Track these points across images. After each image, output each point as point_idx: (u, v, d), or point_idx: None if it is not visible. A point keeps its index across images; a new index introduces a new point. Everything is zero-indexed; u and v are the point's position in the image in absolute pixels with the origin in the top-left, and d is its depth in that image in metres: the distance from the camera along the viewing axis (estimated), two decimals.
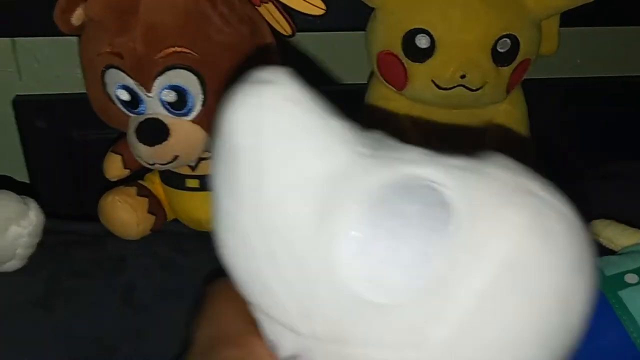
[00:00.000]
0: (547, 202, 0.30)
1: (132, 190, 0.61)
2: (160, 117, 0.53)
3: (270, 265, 0.29)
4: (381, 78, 0.65)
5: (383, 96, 0.67)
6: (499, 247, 0.28)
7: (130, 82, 0.52)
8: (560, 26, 0.66)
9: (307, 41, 0.75)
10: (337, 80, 0.78)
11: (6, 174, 0.76)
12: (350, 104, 0.68)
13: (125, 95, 0.53)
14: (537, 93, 0.80)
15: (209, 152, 0.57)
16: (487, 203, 0.28)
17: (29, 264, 0.58)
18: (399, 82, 0.63)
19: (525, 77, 0.66)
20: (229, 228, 0.31)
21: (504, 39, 0.60)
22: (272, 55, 0.56)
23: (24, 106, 0.72)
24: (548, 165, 0.74)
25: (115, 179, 0.63)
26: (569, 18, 0.65)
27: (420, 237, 0.28)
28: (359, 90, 0.71)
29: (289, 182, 0.29)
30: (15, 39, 0.70)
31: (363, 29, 0.66)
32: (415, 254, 0.28)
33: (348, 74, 0.77)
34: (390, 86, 0.65)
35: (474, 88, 0.61)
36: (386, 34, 0.62)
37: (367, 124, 0.35)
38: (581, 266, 0.30)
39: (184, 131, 0.53)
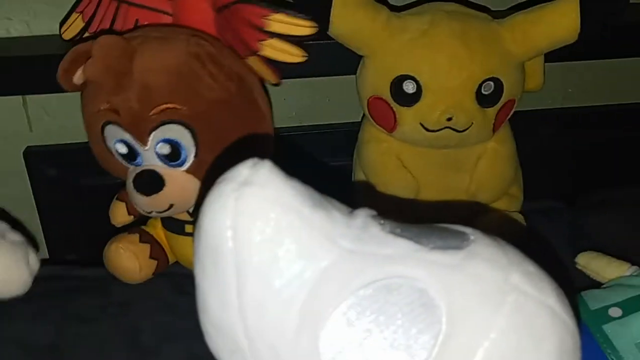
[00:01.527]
0: (531, 298, 0.31)
1: (135, 237, 0.64)
2: (156, 169, 0.56)
3: None
4: (372, 121, 0.68)
5: (374, 137, 0.69)
6: (480, 348, 0.29)
7: (128, 137, 0.55)
8: (551, 61, 0.68)
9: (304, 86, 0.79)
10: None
11: (19, 221, 0.79)
12: (343, 143, 0.71)
13: (123, 149, 0.56)
14: (532, 123, 0.83)
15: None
16: (469, 304, 0.29)
17: (38, 311, 0.61)
18: (389, 125, 0.65)
19: (519, 109, 0.68)
20: (214, 324, 0.32)
21: (488, 82, 0.62)
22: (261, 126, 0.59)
23: (34, 156, 0.75)
24: (540, 195, 0.77)
25: (120, 225, 0.66)
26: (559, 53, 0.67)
27: (405, 337, 0.29)
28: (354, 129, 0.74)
29: (271, 286, 0.29)
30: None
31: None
32: (399, 354, 0.29)
33: (342, 115, 0.80)
34: (381, 128, 0.67)
35: (461, 129, 0.63)
36: (375, 80, 0.64)
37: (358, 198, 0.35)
38: (565, 358, 0.31)
39: (178, 181, 0.56)
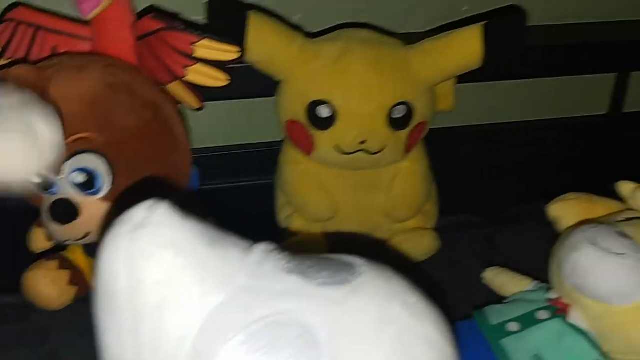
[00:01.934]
0: (409, 329, 0.33)
1: (54, 264, 0.64)
2: (71, 197, 0.56)
3: None
4: (291, 144, 0.69)
5: (293, 159, 0.71)
6: None
7: None
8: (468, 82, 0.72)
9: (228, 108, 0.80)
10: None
11: None
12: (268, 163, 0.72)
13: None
14: (450, 141, 0.86)
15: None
16: (350, 339, 0.31)
17: None
18: (306, 147, 0.67)
19: (437, 127, 0.71)
20: None
21: (399, 106, 0.64)
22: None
23: None
24: (458, 210, 0.80)
25: (39, 251, 0.66)
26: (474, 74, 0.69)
27: None
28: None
29: (164, 326, 0.30)
30: None
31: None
32: None
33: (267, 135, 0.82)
34: (299, 150, 0.69)
35: (374, 152, 0.65)
36: (291, 104, 0.66)
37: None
38: None
39: (93, 209, 0.57)
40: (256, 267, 0.34)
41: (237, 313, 0.32)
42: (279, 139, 0.77)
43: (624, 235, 0.51)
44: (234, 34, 0.61)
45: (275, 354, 0.31)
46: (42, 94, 0.54)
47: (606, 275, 0.49)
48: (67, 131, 0.54)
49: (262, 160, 0.81)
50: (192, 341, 0.31)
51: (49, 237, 0.65)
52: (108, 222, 0.33)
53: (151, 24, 0.58)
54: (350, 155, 0.65)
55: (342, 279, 0.34)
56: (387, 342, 0.33)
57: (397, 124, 0.65)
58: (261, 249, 0.35)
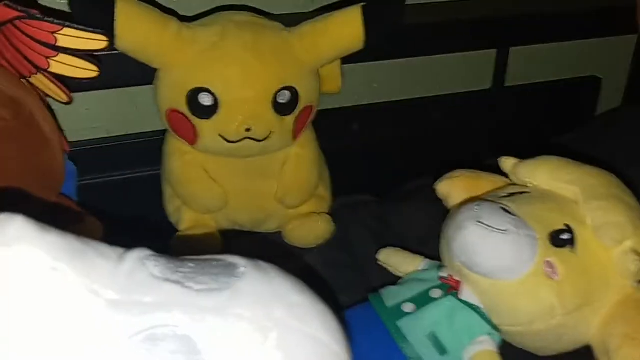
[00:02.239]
0: (294, 331, 0.31)
1: None
2: None
3: None
4: (173, 133, 0.66)
5: (178, 149, 0.68)
6: None
7: None
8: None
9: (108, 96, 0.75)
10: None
11: None
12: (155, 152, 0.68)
13: None
14: (339, 121, 0.86)
15: None
16: (231, 347, 0.29)
17: None
18: (189, 137, 0.64)
19: (326, 108, 0.69)
20: None
21: (283, 91, 0.62)
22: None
23: None
24: (351, 191, 0.79)
25: None
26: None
27: None
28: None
29: (32, 352, 0.28)
30: None
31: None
32: None
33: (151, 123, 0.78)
34: (182, 140, 0.66)
35: (260, 139, 0.63)
36: (170, 93, 0.63)
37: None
38: None
39: None
40: (127, 279, 0.32)
41: (110, 330, 0.30)
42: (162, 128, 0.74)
43: (506, 211, 0.52)
44: (101, 21, 0.57)
45: None
46: None
47: (490, 251, 0.50)
48: None
49: (146, 151, 0.77)
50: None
51: None
52: None
53: (5, 12, 0.53)
54: (237, 144, 0.63)
55: (222, 283, 0.33)
56: (270, 347, 0.31)
57: (282, 109, 0.63)
58: (134, 257, 0.33)
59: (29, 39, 0.54)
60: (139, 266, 0.33)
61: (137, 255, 0.33)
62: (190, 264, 0.33)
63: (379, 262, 0.66)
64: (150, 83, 0.66)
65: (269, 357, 0.31)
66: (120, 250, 0.33)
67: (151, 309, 0.31)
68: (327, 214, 0.73)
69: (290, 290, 0.34)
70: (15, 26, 0.53)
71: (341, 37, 0.63)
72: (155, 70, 0.64)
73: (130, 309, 0.31)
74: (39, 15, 0.53)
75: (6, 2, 0.52)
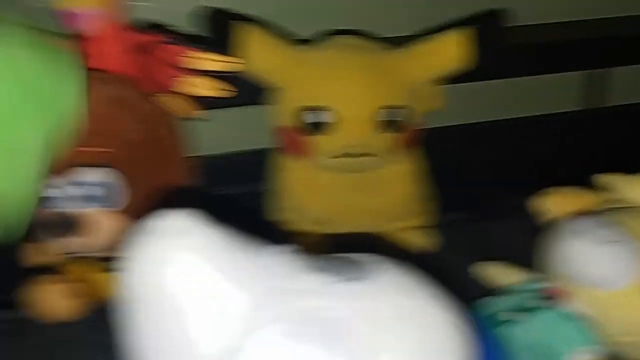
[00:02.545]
0: (429, 315, 0.35)
1: (56, 277, 0.65)
2: (71, 210, 0.57)
3: None
4: (285, 149, 0.71)
5: (288, 164, 0.72)
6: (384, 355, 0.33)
7: None
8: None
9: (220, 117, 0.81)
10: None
11: None
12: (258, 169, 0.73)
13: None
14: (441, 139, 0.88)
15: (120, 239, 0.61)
16: (374, 328, 0.33)
17: None
18: (299, 152, 0.69)
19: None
20: (154, 351, 0.34)
21: (391, 109, 0.66)
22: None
23: None
24: (448, 206, 0.82)
25: (36, 266, 0.66)
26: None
27: (322, 354, 0.32)
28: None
29: (199, 326, 0.32)
30: None
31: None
32: None
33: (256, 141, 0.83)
34: (292, 156, 0.70)
35: (367, 155, 0.67)
36: (285, 110, 0.68)
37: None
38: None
39: (93, 222, 0.58)
40: (277, 269, 0.36)
41: (265, 311, 0.34)
42: (267, 146, 0.79)
43: (608, 224, 0.54)
44: (227, 44, 0.63)
45: (304, 345, 0.33)
46: None
47: (603, 261, 0.52)
48: (77, 146, 0.55)
49: (255, 167, 0.82)
50: (226, 336, 0.33)
51: (43, 252, 0.65)
52: (132, 231, 0.34)
53: (149, 38, 0.59)
54: (344, 159, 0.67)
55: (357, 275, 0.36)
56: (410, 328, 0.35)
57: (390, 126, 0.67)
58: (279, 251, 0.37)
59: (162, 61, 0.60)
60: (284, 259, 0.37)
61: (282, 250, 0.37)
62: (323, 262, 0.37)
63: (477, 275, 0.68)
64: (260, 103, 0.71)
65: (410, 337, 0.34)
66: (264, 245, 0.38)
67: (300, 295, 0.35)
68: (429, 228, 0.76)
69: (418, 282, 0.38)
70: (157, 49, 0.60)
71: (450, 58, 0.66)
72: (270, 90, 0.70)
73: (282, 294, 0.35)
74: (177, 40, 0.59)
75: (151, 29, 0.59)
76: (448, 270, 0.70)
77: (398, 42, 0.70)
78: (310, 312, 0.33)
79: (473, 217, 0.83)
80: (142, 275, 0.33)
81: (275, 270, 0.35)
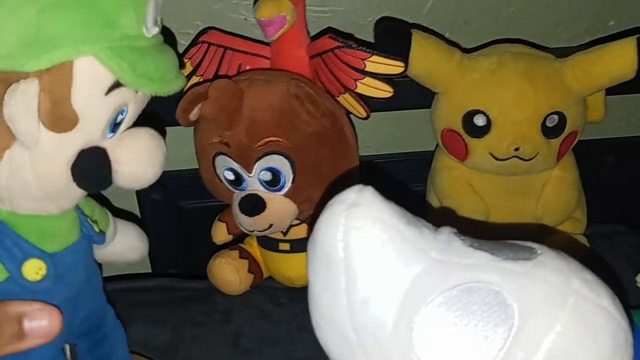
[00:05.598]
0: (589, 300, 0.37)
1: (235, 253, 0.73)
2: (259, 193, 0.65)
3: (362, 352, 0.36)
4: (445, 150, 0.75)
5: (447, 165, 0.76)
6: (546, 340, 0.34)
7: (235, 166, 0.64)
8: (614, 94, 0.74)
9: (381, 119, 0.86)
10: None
11: None
12: (416, 171, 0.77)
13: (231, 176, 0.65)
14: (596, 152, 0.88)
15: (297, 220, 0.68)
16: (536, 304, 0.35)
17: (157, 315, 0.71)
18: (461, 154, 0.72)
19: (583, 138, 0.74)
20: (325, 318, 0.38)
21: (552, 115, 0.68)
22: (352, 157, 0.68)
23: None
24: (603, 219, 0.81)
25: (220, 243, 0.75)
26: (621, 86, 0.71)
27: (483, 329, 0.34)
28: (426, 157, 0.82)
29: (375, 288, 0.36)
30: None
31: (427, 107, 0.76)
32: (478, 338, 0.35)
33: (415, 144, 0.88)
34: (453, 157, 0.74)
35: (527, 159, 0.69)
36: (448, 114, 0.72)
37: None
38: (617, 351, 0.37)
39: (277, 204, 0.65)
40: (446, 245, 0.39)
41: (434, 281, 0.37)
42: (425, 149, 0.83)
43: None
44: (400, 51, 0.68)
45: (470, 314, 0.36)
46: (238, 104, 0.63)
47: None
48: (259, 136, 0.63)
49: (411, 169, 0.87)
50: (399, 302, 0.37)
51: (230, 230, 0.74)
52: (322, 203, 0.39)
53: (328, 43, 0.66)
54: (504, 162, 0.70)
55: (525, 256, 0.39)
56: (568, 309, 0.36)
57: (550, 132, 0.69)
58: (447, 230, 0.41)
59: (343, 64, 0.66)
60: (453, 237, 0.40)
61: (449, 230, 0.41)
62: (491, 243, 0.40)
63: (637, 285, 0.67)
64: (420, 107, 0.75)
65: (567, 317, 0.36)
66: (433, 225, 0.42)
67: (467, 269, 0.38)
68: (583, 236, 0.77)
69: (584, 269, 0.40)
70: (334, 54, 0.66)
71: (613, 67, 0.67)
72: (433, 94, 0.74)
73: (450, 266, 0.38)
74: (354, 45, 0.65)
75: (331, 35, 0.65)
76: (611, 274, 0.72)
77: (562, 52, 0.72)
78: (476, 283, 0.36)
79: (630, 230, 0.83)
80: (329, 238, 0.37)
81: (443, 246, 0.38)
